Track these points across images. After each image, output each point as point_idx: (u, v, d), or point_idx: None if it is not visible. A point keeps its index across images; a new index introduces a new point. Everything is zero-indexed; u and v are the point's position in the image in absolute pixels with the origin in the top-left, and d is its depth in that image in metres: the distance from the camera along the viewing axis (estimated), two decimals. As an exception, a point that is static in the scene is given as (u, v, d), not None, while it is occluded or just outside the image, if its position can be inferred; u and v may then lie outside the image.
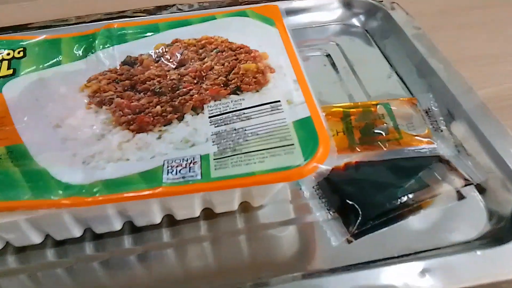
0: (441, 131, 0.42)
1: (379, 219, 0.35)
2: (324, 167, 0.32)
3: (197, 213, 0.36)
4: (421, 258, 0.33)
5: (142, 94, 0.38)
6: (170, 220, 0.36)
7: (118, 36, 0.43)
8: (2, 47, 0.42)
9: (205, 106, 0.36)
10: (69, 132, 0.35)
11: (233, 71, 0.39)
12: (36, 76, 0.40)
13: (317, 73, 0.51)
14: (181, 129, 0.35)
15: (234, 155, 0.32)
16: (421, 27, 0.52)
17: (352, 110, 0.43)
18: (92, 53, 0.42)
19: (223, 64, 0.40)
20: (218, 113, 0.36)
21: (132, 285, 0.33)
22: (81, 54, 0.42)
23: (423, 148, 0.40)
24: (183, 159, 0.32)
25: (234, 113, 0.36)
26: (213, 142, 0.33)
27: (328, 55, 0.53)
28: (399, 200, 0.36)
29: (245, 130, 0.34)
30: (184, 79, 0.39)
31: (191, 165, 0.32)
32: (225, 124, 0.35)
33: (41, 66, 0.41)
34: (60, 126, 0.35)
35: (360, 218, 0.35)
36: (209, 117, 0.35)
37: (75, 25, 0.55)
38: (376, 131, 0.41)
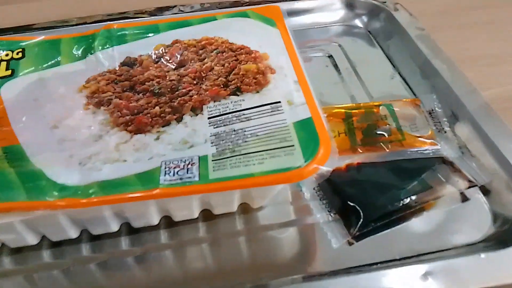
0: (445, 132, 0.41)
1: (380, 221, 0.34)
2: (325, 168, 0.31)
3: (195, 214, 0.35)
4: (423, 261, 0.32)
5: (141, 95, 0.37)
6: (168, 221, 0.36)
7: (118, 36, 0.43)
8: (1, 48, 0.42)
9: (204, 107, 0.36)
10: (66, 133, 0.34)
11: (233, 72, 0.39)
12: (34, 77, 0.39)
13: (319, 74, 0.51)
14: (179, 130, 0.34)
15: (233, 156, 0.32)
16: (425, 27, 0.52)
17: (354, 111, 0.43)
18: (92, 53, 0.41)
19: (223, 65, 0.40)
20: (218, 114, 0.35)
21: (129, 287, 0.33)
22: (80, 54, 0.42)
23: (426, 150, 0.39)
24: (181, 160, 0.32)
25: (233, 114, 0.35)
26: (212, 143, 0.33)
27: (330, 56, 0.53)
28: (401, 202, 0.35)
29: (245, 131, 0.34)
30: (184, 80, 0.38)
31: (189, 166, 0.31)
32: (224, 125, 0.34)
33: (40, 66, 0.40)
34: (57, 127, 0.35)
35: (361, 220, 0.34)
36: (208, 118, 0.35)
37: (75, 26, 0.55)
38: (378, 132, 0.41)
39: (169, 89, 0.38)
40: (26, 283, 0.33)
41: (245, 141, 0.33)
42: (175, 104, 0.36)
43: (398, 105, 0.43)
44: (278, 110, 0.35)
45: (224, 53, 0.41)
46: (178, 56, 0.41)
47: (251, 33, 0.43)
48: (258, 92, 0.37)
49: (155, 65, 0.40)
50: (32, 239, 0.34)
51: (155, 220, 0.35)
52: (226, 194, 0.33)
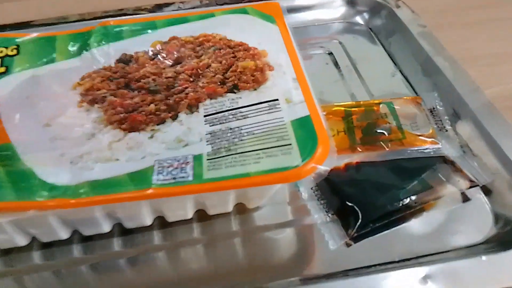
0: (446, 130, 0.40)
1: (379, 222, 0.34)
2: (323, 168, 0.31)
3: (189, 215, 0.35)
4: (423, 263, 0.31)
5: (136, 92, 0.37)
6: (162, 222, 0.35)
7: (114, 33, 0.42)
8: (-5, 45, 0.41)
9: (200, 104, 0.35)
10: (58, 131, 0.34)
11: (231, 69, 0.38)
12: (28, 74, 0.38)
13: (319, 71, 0.50)
14: (174, 128, 0.34)
15: (228, 155, 0.31)
16: (427, 25, 0.51)
17: (354, 109, 0.42)
18: (87, 50, 0.41)
19: (220, 62, 0.39)
20: (214, 112, 0.35)
21: (122, 289, 0.32)
22: (75, 51, 0.41)
23: (427, 149, 0.38)
24: (175, 160, 0.31)
25: (230, 112, 0.34)
26: (207, 141, 0.32)
27: (331, 53, 0.52)
28: (401, 202, 0.34)
29: (241, 129, 0.33)
30: (180, 77, 0.38)
31: (183, 165, 0.30)
32: (220, 123, 0.34)
33: (34, 63, 0.39)
34: (50, 125, 0.34)
35: (360, 221, 0.33)
36: (204, 116, 0.34)
37: (74, 23, 0.54)
38: (378, 130, 0.40)
39: (165, 87, 0.37)
40: (15, 285, 0.32)
41: (241, 140, 0.32)
42: (171, 101, 0.36)
43: (398, 103, 0.42)
44: (276, 108, 0.34)
45: (221, 50, 0.40)
46: (175, 53, 0.40)
47: (250, 30, 0.42)
48: (255, 89, 0.36)
49: (151, 62, 0.39)
50: (21, 240, 0.33)
51: (148, 221, 0.34)
52: (221, 194, 0.32)
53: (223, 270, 0.33)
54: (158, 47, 0.41)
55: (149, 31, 0.43)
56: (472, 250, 0.33)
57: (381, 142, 0.39)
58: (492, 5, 0.59)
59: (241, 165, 0.30)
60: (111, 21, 0.43)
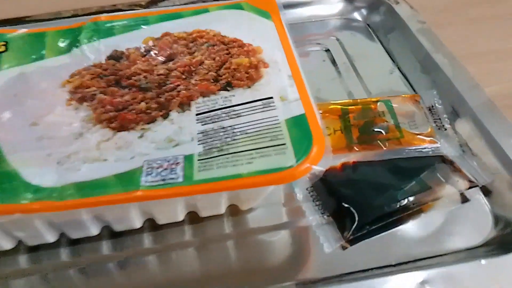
0: (445, 129, 0.39)
1: (376, 224, 0.33)
2: (318, 168, 0.30)
3: (180, 217, 0.34)
4: (421, 267, 0.31)
5: (126, 90, 0.36)
6: (152, 224, 0.34)
7: (105, 29, 0.41)
8: (-18, 41, 0.40)
9: (192, 102, 0.34)
10: (46, 130, 0.33)
11: (224, 66, 0.37)
12: (16, 71, 0.37)
13: (316, 69, 0.49)
14: (165, 127, 0.32)
15: (220, 155, 0.30)
16: (426, 21, 0.50)
17: (351, 107, 0.41)
18: (77, 47, 0.40)
19: (214, 59, 0.38)
20: (206, 110, 0.34)
21: (111, 294, 0.31)
22: (65, 48, 0.40)
23: (425, 148, 0.37)
24: (164, 160, 0.30)
25: (223, 110, 0.33)
26: (199, 141, 0.31)
27: (328, 50, 0.51)
28: (398, 203, 0.33)
29: (234, 128, 0.32)
30: (172, 74, 0.37)
31: (173, 166, 0.29)
32: (212, 122, 0.33)
33: (23, 60, 0.38)
34: (37, 123, 0.33)
35: (356, 223, 0.32)
36: (196, 115, 0.33)
37: (65, 19, 0.53)
38: (375, 129, 0.39)
39: (156, 84, 0.36)
40: (0, 289, 0.32)
41: (234, 139, 0.31)
42: (162, 99, 0.35)
43: (396, 101, 0.41)
44: (270, 106, 0.33)
45: (215, 47, 0.39)
46: (167, 50, 0.39)
47: (245, 26, 0.41)
48: (249, 87, 0.35)
49: (143, 59, 0.38)
50: (7, 244, 0.32)
51: (137, 223, 0.33)
52: (213, 196, 0.31)
53: (216, 274, 0.32)
54: (150, 43, 0.40)
55: (141, 27, 0.42)
56: (471, 253, 0.32)
57: (379, 141, 0.38)
58: (492, 2, 0.58)
59: (233, 165, 0.29)
60: (102, 16, 0.42)
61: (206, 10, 0.43)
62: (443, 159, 0.37)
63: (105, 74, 0.37)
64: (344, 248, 0.32)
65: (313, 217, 0.34)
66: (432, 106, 0.41)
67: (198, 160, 0.30)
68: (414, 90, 0.45)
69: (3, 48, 0.39)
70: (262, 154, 0.30)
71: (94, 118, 0.33)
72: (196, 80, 0.36)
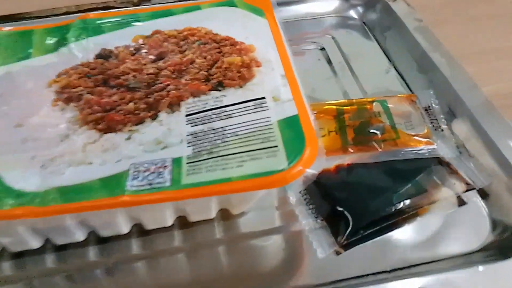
0: (442, 130, 0.38)
1: (371, 228, 0.32)
2: (311, 171, 0.29)
3: (169, 222, 0.32)
4: (416, 274, 0.30)
5: (114, 89, 0.35)
6: (140, 230, 0.33)
7: (94, 27, 0.40)
8: (-33, 39, 0.39)
9: (182, 103, 0.33)
10: (30, 132, 0.32)
11: (216, 65, 0.36)
12: (2, 71, 0.36)
13: (311, 68, 0.48)
14: (153, 129, 0.32)
15: (210, 158, 0.29)
16: (423, 19, 0.49)
17: (346, 107, 0.40)
18: (65, 45, 0.39)
19: (205, 57, 0.37)
20: (196, 111, 0.33)
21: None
22: (53, 46, 0.39)
23: (421, 149, 0.37)
24: (152, 163, 0.29)
25: (213, 111, 0.33)
26: (188, 143, 0.30)
27: (323, 49, 0.50)
28: (393, 207, 0.32)
29: (225, 130, 0.31)
30: (162, 73, 0.36)
31: (161, 169, 0.28)
32: (203, 123, 0.32)
33: (9, 59, 0.38)
34: (22, 125, 0.32)
35: (350, 227, 0.31)
36: (186, 115, 0.32)
37: (55, 17, 0.51)
38: (371, 130, 0.38)
39: (145, 84, 0.35)
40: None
41: (224, 141, 0.30)
42: (151, 100, 0.34)
43: (392, 101, 0.40)
44: (262, 107, 0.32)
45: (207, 45, 0.38)
46: (158, 48, 0.38)
47: (237, 24, 0.40)
48: (241, 87, 0.34)
49: (132, 58, 0.37)
50: (-11, 250, 0.31)
51: (124, 229, 0.32)
52: (202, 201, 0.30)
53: (206, 280, 0.31)
54: (140, 41, 0.39)
55: (131, 24, 0.41)
56: (468, 259, 0.31)
57: (374, 143, 0.37)
58: (491, 0, 0.57)
59: (222, 169, 0.28)
60: (91, 14, 0.41)
61: (198, 7, 0.42)
62: (439, 161, 0.36)
63: (93, 74, 0.36)
64: (338, 253, 0.31)
65: (306, 221, 0.33)
66: (429, 107, 0.40)
67: (187, 163, 0.29)
68: (411, 90, 0.45)
69: (-12, 47, 0.38)
70: (253, 157, 0.29)
71: (81, 119, 0.33)
72: (186, 79, 0.35)
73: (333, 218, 0.32)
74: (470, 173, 0.35)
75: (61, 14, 0.53)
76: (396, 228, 0.32)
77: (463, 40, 0.51)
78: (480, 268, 0.29)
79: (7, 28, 0.40)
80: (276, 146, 0.29)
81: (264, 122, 0.31)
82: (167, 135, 0.31)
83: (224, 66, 0.36)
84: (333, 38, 0.52)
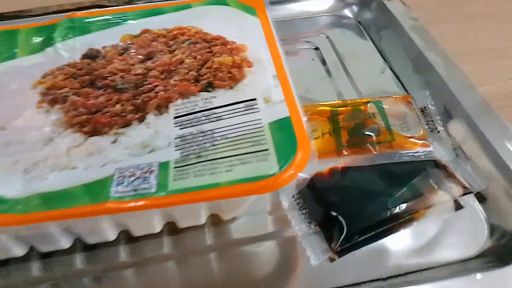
0: (438, 132, 0.37)
1: (366, 234, 0.31)
2: (303, 175, 0.28)
3: (157, 228, 0.31)
4: (413, 282, 0.29)
5: (101, 91, 0.34)
6: (128, 236, 0.32)
7: (81, 26, 0.39)
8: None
9: (171, 104, 0.32)
10: (13, 135, 0.31)
11: (206, 65, 0.35)
12: (-14, 71, 0.35)
13: (305, 68, 0.47)
14: (140, 132, 0.30)
15: (198, 162, 0.28)
16: (419, 18, 0.48)
17: (340, 109, 0.39)
18: (51, 45, 0.38)
19: (195, 57, 0.36)
20: (185, 113, 0.32)
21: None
22: (39, 46, 0.38)
23: (417, 152, 0.36)
24: (138, 168, 0.28)
25: (203, 112, 0.32)
26: (176, 146, 0.29)
27: (317, 49, 0.49)
28: (389, 211, 0.31)
29: (214, 132, 0.30)
30: (151, 74, 0.35)
31: (147, 174, 0.27)
32: (191, 126, 0.31)
33: (-7, 59, 0.36)
34: (5, 128, 0.31)
35: (344, 233, 0.30)
36: (175, 118, 0.31)
37: (40, 16, 0.50)
38: (365, 132, 0.37)
39: (133, 85, 0.34)
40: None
41: (214, 145, 0.29)
42: (139, 101, 0.33)
43: (388, 102, 0.39)
44: (253, 109, 0.31)
45: (197, 44, 0.37)
46: (146, 48, 0.37)
47: (229, 22, 0.39)
48: (232, 88, 0.33)
49: (120, 58, 0.36)
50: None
51: (111, 236, 0.31)
52: (191, 207, 0.29)
53: None
54: (128, 41, 0.38)
55: (119, 23, 0.40)
56: (466, 266, 0.30)
57: (369, 145, 0.36)
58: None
59: (211, 173, 0.27)
60: (78, 13, 0.40)
61: (188, 6, 0.41)
62: (436, 164, 0.35)
63: (79, 74, 0.35)
64: (332, 260, 0.30)
65: (299, 226, 0.32)
66: (425, 108, 0.39)
67: (174, 167, 0.28)
68: (406, 91, 0.44)
69: (-28, 47, 0.37)
70: (242, 161, 0.28)
71: (65, 121, 0.31)
72: (175, 80, 0.34)
73: (326, 223, 0.31)
74: (467, 176, 0.34)
75: (49, 13, 0.52)
76: (391, 234, 0.31)
77: (460, 39, 0.50)
78: (478, 276, 0.28)
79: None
80: (266, 150, 0.28)
81: (255, 124, 0.30)
82: (154, 138, 0.30)
83: (215, 66, 0.35)
84: (327, 37, 0.51)
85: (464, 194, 0.33)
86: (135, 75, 0.35)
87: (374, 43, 0.50)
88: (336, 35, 0.51)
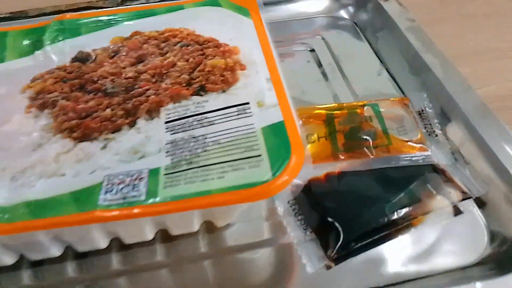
0: (436, 135, 0.37)
1: (363, 241, 0.30)
2: (297, 181, 0.27)
3: (149, 236, 0.30)
4: (411, 291, 0.28)
5: (91, 95, 0.33)
6: (120, 244, 0.31)
7: (71, 28, 0.39)
8: None
9: (162, 109, 0.32)
10: (1, 141, 0.30)
11: (198, 68, 0.35)
12: (-26, 75, 0.35)
13: (300, 70, 0.47)
14: (131, 137, 0.30)
15: (189, 169, 0.27)
16: (418, 18, 0.47)
17: (336, 112, 0.38)
18: (41, 48, 0.37)
19: (187, 60, 0.35)
20: (177, 117, 0.31)
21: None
22: (28, 49, 0.37)
23: (415, 156, 0.35)
24: (127, 175, 0.27)
25: (195, 117, 0.31)
26: (166, 152, 0.28)
27: (313, 50, 0.49)
28: (386, 217, 0.31)
29: (206, 138, 0.29)
30: (142, 77, 0.34)
31: (136, 181, 0.27)
32: (183, 131, 0.30)
33: (-18, 63, 0.36)
34: (-8, 133, 0.30)
35: (341, 240, 0.30)
36: (166, 122, 0.31)
37: (32, 18, 0.49)
38: (362, 136, 0.36)
39: (123, 88, 0.33)
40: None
41: (205, 151, 0.28)
42: (129, 105, 0.32)
43: (384, 105, 0.39)
44: (246, 113, 0.31)
45: (189, 47, 0.36)
46: (137, 50, 0.36)
47: (222, 24, 0.39)
48: (224, 91, 0.33)
49: (111, 61, 0.36)
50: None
51: (102, 244, 0.30)
52: (182, 214, 0.28)
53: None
54: (119, 43, 0.37)
55: (110, 25, 0.39)
56: (465, 273, 0.29)
57: (365, 149, 0.35)
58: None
59: (202, 180, 0.26)
60: (68, 14, 0.39)
61: (181, 7, 0.41)
62: (434, 168, 0.34)
63: (69, 78, 0.34)
64: (328, 267, 0.29)
65: (295, 233, 0.31)
66: (422, 110, 0.38)
67: (165, 174, 0.27)
68: (403, 93, 0.43)
69: (-40, 50, 0.36)
70: (234, 168, 0.27)
71: (55, 127, 0.31)
72: (167, 83, 0.33)
73: (323, 230, 0.31)
74: (466, 180, 0.33)
75: (36, 15, 0.51)
76: (389, 240, 0.30)
77: (458, 40, 0.50)
78: (478, 285, 0.27)
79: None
80: (259, 155, 0.28)
81: (248, 129, 0.30)
82: (145, 143, 0.29)
83: (207, 69, 0.34)
84: (323, 39, 0.50)
85: (463, 199, 0.32)
86: (126, 78, 0.34)
87: (370, 44, 0.49)
88: (332, 36, 0.51)
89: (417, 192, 0.32)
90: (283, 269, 0.31)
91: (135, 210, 0.25)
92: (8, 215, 0.26)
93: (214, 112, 0.31)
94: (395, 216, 0.31)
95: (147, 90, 0.33)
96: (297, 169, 0.27)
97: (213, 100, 0.32)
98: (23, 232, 0.25)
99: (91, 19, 0.39)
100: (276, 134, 0.29)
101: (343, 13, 0.54)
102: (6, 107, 0.32)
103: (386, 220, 0.31)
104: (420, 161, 0.34)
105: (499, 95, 0.43)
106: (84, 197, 0.26)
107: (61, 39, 0.37)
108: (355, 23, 0.53)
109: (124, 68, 0.35)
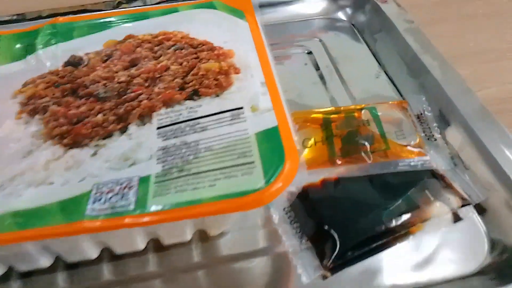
0: (435, 139, 0.36)
1: (360, 249, 0.29)
2: (292, 188, 0.26)
3: (141, 246, 0.30)
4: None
5: (83, 100, 0.32)
6: (112, 254, 0.30)
7: (64, 32, 0.38)
8: None
9: (154, 114, 0.31)
10: (-10, 148, 0.29)
11: (192, 72, 0.34)
12: (-36, 80, 0.34)
13: (297, 72, 0.46)
14: (122, 143, 0.29)
15: (180, 177, 0.27)
16: (415, 19, 0.47)
17: (333, 116, 0.38)
18: (33, 52, 0.36)
19: (181, 64, 0.35)
20: (169, 123, 0.30)
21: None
22: (20, 53, 0.37)
23: (413, 161, 0.34)
24: (117, 183, 0.26)
25: (187, 122, 0.30)
26: (158, 159, 0.28)
27: (310, 53, 0.48)
28: (384, 225, 0.30)
29: (198, 144, 0.28)
30: (135, 81, 0.33)
31: (125, 190, 0.26)
32: (175, 137, 0.29)
33: (-28, 67, 0.35)
34: (-19, 141, 0.30)
35: (337, 249, 0.29)
36: (158, 128, 0.30)
37: (26, 22, 0.49)
38: (360, 140, 0.35)
39: (116, 93, 0.32)
40: None
41: (197, 157, 0.28)
42: (121, 111, 0.31)
43: (382, 109, 0.38)
44: (240, 118, 0.30)
45: (183, 50, 0.36)
46: (130, 54, 0.35)
47: (216, 27, 0.38)
48: (218, 95, 0.32)
49: (103, 65, 0.35)
50: None
51: (92, 254, 0.29)
52: (173, 223, 0.27)
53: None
54: (112, 47, 0.36)
55: (103, 28, 0.38)
56: (465, 283, 0.29)
57: (363, 153, 0.35)
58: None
59: (193, 189, 0.26)
60: (60, 18, 0.39)
61: (175, 10, 0.40)
62: (433, 174, 0.33)
63: (61, 83, 0.34)
64: (324, 277, 0.29)
65: (290, 242, 0.30)
66: (421, 114, 0.38)
67: (155, 182, 0.26)
68: (401, 95, 0.42)
69: (-50, 54, 0.36)
70: (227, 175, 0.26)
71: (45, 133, 0.30)
72: (160, 88, 0.33)
73: (318, 238, 0.30)
74: (466, 186, 0.33)
75: (31, 19, 0.50)
76: (386, 249, 0.30)
77: (457, 40, 0.49)
78: (478, 295, 0.27)
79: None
80: (252, 162, 0.27)
81: (241, 135, 0.29)
82: (136, 150, 0.28)
83: (201, 73, 0.33)
84: (320, 41, 0.49)
85: (462, 206, 0.32)
86: (119, 83, 0.33)
87: (368, 46, 0.49)
88: (330, 38, 0.50)
89: (415, 198, 0.31)
90: (278, 279, 0.30)
91: (123, 220, 0.24)
92: (-4, 225, 0.25)
93: (207, 118, 0.30)
94: (393, 224, 0.30)
95: (140, 94, 0.32)
96: (291, 176, 0.27)
97: (206, 105, 0.31)
98: (9, 243, 0.24)
99: (84, 23, 0.39)
100: (270, 139, 0.28)
101: (340, 15, 0.53)
102: (-4, 112, 0.32)
103: (383, 227, 0.30)
104: (419, 166, 0.34)
105: (499, 97, 0.42)
106: (71, 207, 0.25)
107: (53, 43, 0.37)
108: (353, 25, 0.52)
109: (116, 72, 0.34)
